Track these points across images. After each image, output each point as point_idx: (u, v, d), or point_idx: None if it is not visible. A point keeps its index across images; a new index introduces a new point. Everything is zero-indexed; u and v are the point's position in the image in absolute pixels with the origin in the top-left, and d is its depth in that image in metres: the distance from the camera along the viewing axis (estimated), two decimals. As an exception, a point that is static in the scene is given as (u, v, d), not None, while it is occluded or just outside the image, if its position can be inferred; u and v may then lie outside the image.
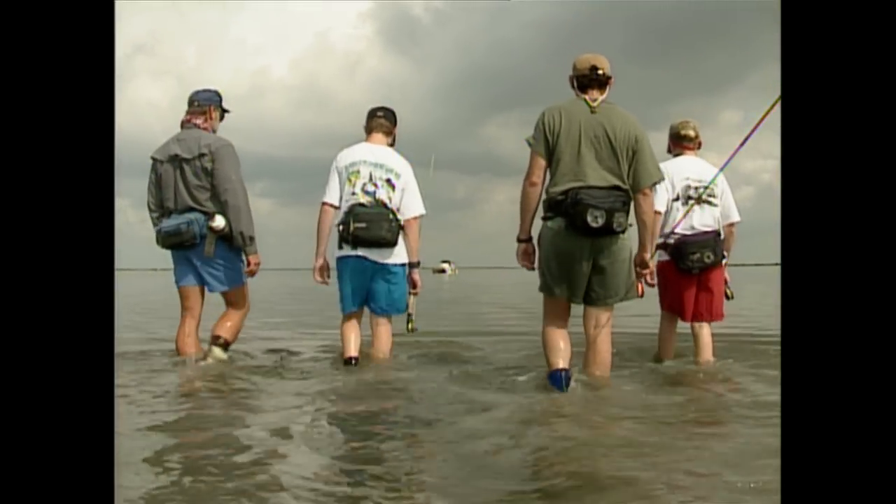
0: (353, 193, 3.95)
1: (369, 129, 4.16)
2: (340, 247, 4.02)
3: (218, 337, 4.15)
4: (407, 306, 4.17)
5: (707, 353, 4.10)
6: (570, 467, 2.11)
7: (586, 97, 3.35)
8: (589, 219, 3.13)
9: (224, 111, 4.34)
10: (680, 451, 2.29)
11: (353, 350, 4.04)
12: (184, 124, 4.19)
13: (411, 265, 4.10)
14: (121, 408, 2.94)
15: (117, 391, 3.27)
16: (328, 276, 4.18)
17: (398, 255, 4.02)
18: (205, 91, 4.26)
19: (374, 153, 4.03)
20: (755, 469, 2.02)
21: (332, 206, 4.03)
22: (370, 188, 3.95)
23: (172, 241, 4.04)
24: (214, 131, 4.22)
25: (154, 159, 4.16)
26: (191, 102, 4.22)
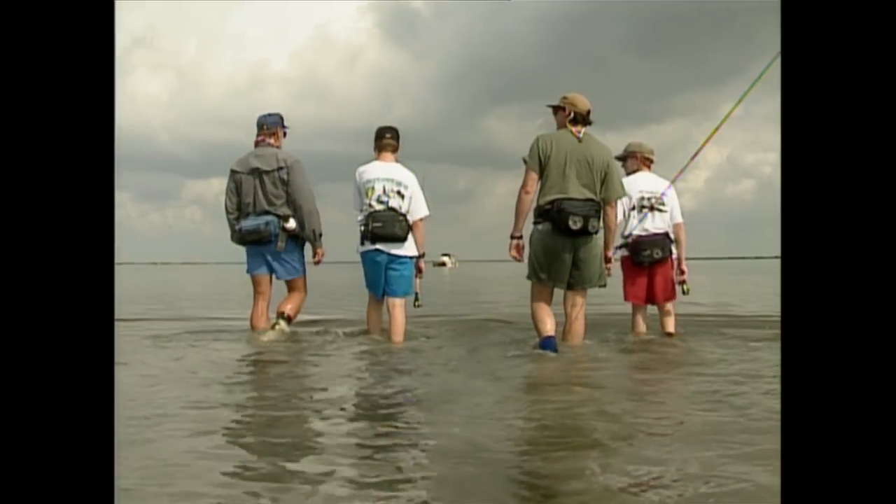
0: (370, 204, 4.84)
1: (379, 149, 5.02)
2: (362, 243, 4.91)
3: (282, 313, 5.06)
4: (414, 287, 5.09)
5: (670, 327, 5.18)
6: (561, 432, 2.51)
7: (573, 129, 4.36)
8: (570, 223, 4.14)
9: (286, 129, 5.24)
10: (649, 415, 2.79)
11: (376, 332, 5.03)
12: (258, 144, 5.10)
13: (418, 256, 5.03)
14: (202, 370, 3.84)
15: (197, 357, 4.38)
16: None
17: (407, 248, 4.91)
18: (270, 115, 5.17)
19: (386, 170, 4.92)
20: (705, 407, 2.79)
21: None
22: (384, 199, 4.84)
23: (252, 237, 4.96)
24: (280, 147, 5.11)
25: (234, 171, 5.05)
26: (260, 126, 5.12)
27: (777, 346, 4.95)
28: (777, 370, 3.58)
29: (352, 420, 2.72)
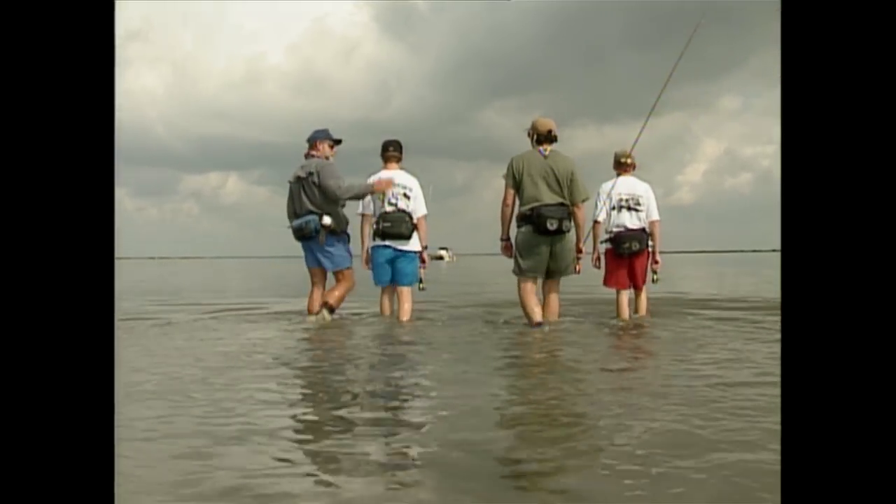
0: (382, 205, 5.91)
1: (386, 159, 6.09)
2: (374, 239, 5.99)
3: (326, 303, 5.96)
4: (419, 275, 6.13)
5: (643, 310, 6.19)
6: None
7: (540, 148, 5.41)
8: (548, 225, 5.19)
9: (335, 141, 6.06)
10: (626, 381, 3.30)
11: (388, 311, 6.15)
12: (306, 156, 6.01)
13: (421, 249, 6.06)
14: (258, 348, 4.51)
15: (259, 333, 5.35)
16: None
17: (412, 244, 5.99)
18: (315, 131, 6.05)
19: (393, 177, 5.92)
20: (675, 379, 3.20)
21: (367, 215, 6.06)
22: (393, 200, 5.92)
23: (299, 234, 5.89)
24: (327, 158, 5.96)
25: (289, 181, 5.98)
26: (308, 141, 6.03)
27: (757, 327, 5.20)
28: (758, 353, 3.74)
29: (352, 404, 2.82)
